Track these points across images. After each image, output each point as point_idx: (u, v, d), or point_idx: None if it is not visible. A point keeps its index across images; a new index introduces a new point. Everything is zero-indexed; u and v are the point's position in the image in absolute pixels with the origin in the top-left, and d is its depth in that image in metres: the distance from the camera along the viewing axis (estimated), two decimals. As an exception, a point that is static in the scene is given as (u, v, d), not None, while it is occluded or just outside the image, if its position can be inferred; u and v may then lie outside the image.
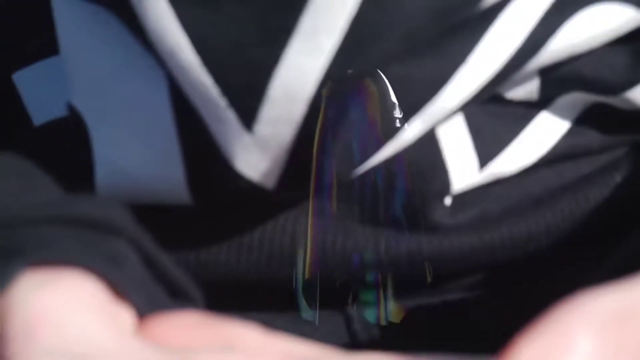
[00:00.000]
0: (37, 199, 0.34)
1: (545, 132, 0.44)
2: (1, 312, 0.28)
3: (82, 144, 0.42)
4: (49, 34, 0.43)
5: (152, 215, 0.37)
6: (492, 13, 0.40)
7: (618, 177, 0.45)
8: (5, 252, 0.29)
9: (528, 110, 0.44)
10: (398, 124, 0.39)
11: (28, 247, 0.29)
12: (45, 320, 0.27)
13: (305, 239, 0.42)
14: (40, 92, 0.45)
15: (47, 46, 0.44)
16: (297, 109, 0.39)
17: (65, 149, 0.44)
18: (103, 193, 0.42)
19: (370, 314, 0.43)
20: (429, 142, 0.41)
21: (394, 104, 0.39)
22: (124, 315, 0.30)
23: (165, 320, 0.30)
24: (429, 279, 0.42)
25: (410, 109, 0.39)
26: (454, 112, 0.40)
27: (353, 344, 0.44)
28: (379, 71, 0.39)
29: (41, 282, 0.28)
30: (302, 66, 0.38)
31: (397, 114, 0.39)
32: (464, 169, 0.42)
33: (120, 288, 0.30)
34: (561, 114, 0.44)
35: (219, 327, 0.29)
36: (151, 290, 0.32)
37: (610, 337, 0.26)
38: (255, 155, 0.40)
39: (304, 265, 0.41)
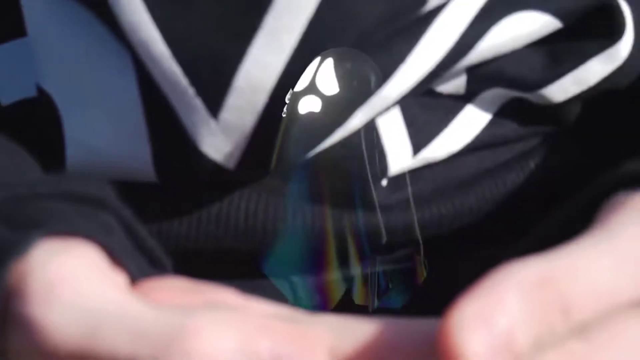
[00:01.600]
0: (32, 176, 0.37)
1: (470, 123, 0.48)
2: (21, 277, 0.31)
3: (50, 123, 0.45)
4: (13, 17, 0.46)
5: (121, 190, 0.39)
6: (429, 17, 0.44)
7: (532, 164, 0.49)
8: (22, 224, 0.32)
9: (456, 103, 0.47)
10: (345, 114, 0.43)
11: (43, 219, 0.32)
12: (63, 281, 0.31)
13: (259, 214, 0.46)
14: (6, 73, 0.47)
15: (12, 29, 0.46)
16: (260, 99, 0.42)
17: (33, 128, 0.46)
18: (72, 170, 0.45)
19: (312, 283, 0.47)
20: (370, 130, 0.45)
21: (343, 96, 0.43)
22: (121, 280, 0.33)
23: (156, 284, 0.33)
24: (367, 252, 0.46)
25: (357, 100, 0.43)
26: (393, 104, 0.44)
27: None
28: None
29: (56, 250, 0.31)
30: (265, 61, 0.41)
31: (345, 105, 0.44)
32: (399, 155, 0.46)
33: (116, 255, 0.33)
34: (484, 107, 0.48)
35: (204, 290, 0.33)
36: (137, 258, 0.35)
37: (535, 297, 0.29)
38: (219, 139, 0.43)
39: (258, 237, 0.45)
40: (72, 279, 0.31)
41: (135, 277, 0.34)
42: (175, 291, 0.33)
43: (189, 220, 0.46)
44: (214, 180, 0.45)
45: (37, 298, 0.30)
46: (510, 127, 0.49)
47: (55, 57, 0.45)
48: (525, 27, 0.45)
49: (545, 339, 0.30)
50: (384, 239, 0.46)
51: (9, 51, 0.47)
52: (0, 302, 0.31)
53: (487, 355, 0.28)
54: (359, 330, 0.31)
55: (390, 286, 0.45)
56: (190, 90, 0.42)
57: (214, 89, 0.42)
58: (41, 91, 0.45)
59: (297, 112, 0.42)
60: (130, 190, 0.44)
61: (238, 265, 0.46)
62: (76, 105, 0.45)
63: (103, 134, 0.44)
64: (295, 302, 0.47)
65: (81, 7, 0.44)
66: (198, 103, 0.42)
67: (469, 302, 0.29)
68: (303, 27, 0.41)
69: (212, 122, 0.42)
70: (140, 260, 0.36)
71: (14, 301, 0.31)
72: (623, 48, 0.47)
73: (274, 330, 0.30)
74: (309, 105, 0.43)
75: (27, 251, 0.31)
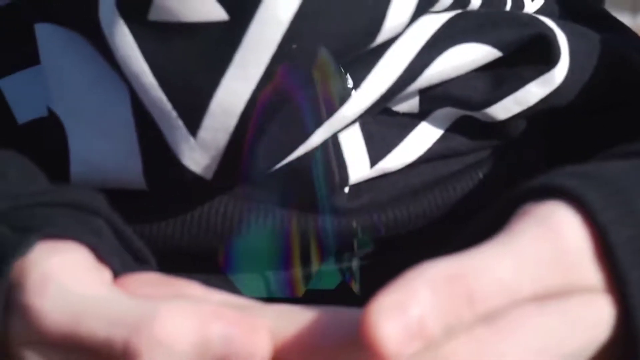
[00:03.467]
0: (36, 187, 0.44)
1: (423, 138, 0.52)
2: (21, 272, 0.37)
3: (58, 139, 0.50)
4: (28, 47, 0.51)
5: (116, 197, 0.45)
6: (380, 50, 0.48)
7: (480, 174, 0.53)
8: (24, 228, 0.38)
9: (411, 120, 0.51)
10: (307, 131, 0.48)
11: (41, 225, 0.38)
12: (53, 276, 0.36)
13: (235, 217, 0.50)
14: (22, 96, 0.52)
15: (28, 58, 0.52)
16: (231, 121, 0.46)
17: (44, 143, 0.51)
18: (75, 180, 0.50)
19: (284, 278, 0.51)
20: (333, 144, 0.50)
21: (306, 116, 0.48)
22: (105, 275, 0.39)
23: (134, 279, 0.39)
24: (329, 252, 0.50)
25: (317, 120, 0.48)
26: (351, 122, 0.49)
27: (270, 301, 0.53)
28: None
29: (50, 251, 0.37)
30: (235, 89, 0.46)
31: (307, 123, 0.48)
32: (358, 166, 0.50)
33: (102, 255, 0.39)
34: (436, 123, 0.52)
35: (173, 283, 0.38)
36: (122, 257, 0.41)
37: (444, 291, 0.33)
38: (198, 154, 0.47)
39: (234, 238, 0.50)
40: (61, 274, 0.37)
41: (119, 273, 0.39)
42: (149, 284, 0.39)
43: (175, 222, 0.50)
44: (196, 188, 0.49)
45: (33, 289, 0.36)
46: (460, 141, 0.52)
47: (63, 83, 0.50)
48: (467, 56, 0.50)
49: (455, 328, 0.34)
50: (345, 240, 0.51)
51: (25, 77, 0.52)
52: (5, 294, 0.37)
53: (401, 339, 0.32)
54: (300, 317, 0.36)
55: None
56: (174, 114, 0.47)
57: (193, 112, 0.46)
58: (51, 112, 0.50)
59: (265, 130, 0.47)
60: (125, 197, 0.50)
61: (215, 262, 0.51)
62: (80, 126, 0.49)
63: (102, 149, 0.49)
64: (268, 293, 0.52)
65: (86, 43, 0.49)
66: (180, 124, 0.47)
67: (386, 295, 0.33)
68: (267, 61, 0.46)
69: (191, 140, 0.47)
70: (126, 258, 0.41)
71: (15, 292, 0.37)
72: (558, 74, 0.51)
73: (225, 316, 0.35)
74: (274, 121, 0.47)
75: (27, 251, 0.37)
